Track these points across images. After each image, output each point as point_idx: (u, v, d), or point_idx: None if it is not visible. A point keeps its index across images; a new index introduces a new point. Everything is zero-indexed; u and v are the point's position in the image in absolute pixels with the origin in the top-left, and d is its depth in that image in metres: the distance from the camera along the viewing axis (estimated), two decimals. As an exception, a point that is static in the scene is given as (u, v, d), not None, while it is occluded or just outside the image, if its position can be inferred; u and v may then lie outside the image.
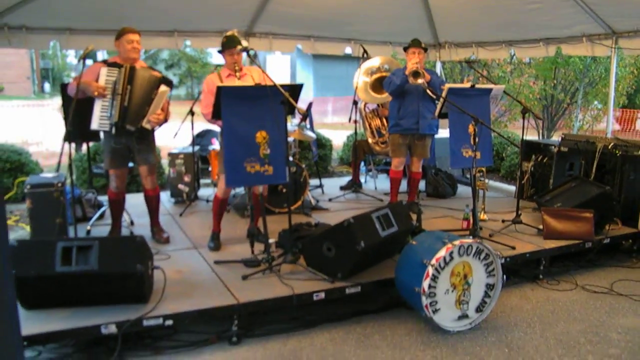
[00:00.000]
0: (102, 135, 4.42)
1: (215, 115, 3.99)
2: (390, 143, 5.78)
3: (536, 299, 4.22)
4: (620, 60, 10.47)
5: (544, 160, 6.43)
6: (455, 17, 7.35)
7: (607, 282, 4.56)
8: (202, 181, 6.92)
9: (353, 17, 7.06)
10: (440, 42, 8.25)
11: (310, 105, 6.89)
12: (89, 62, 4.09)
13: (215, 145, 6.88)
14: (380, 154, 7.03)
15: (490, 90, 5.00)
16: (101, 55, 20.11)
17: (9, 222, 5.63)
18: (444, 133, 6.06)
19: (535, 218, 5.34)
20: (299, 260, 4.01)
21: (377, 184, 7.34)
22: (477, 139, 4.46)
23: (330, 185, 7.28)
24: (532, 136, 10.29)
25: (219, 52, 4.48)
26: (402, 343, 3.46)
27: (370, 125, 6.93)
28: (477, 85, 5.09)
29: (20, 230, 5.48)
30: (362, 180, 7.43)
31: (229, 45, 4.33)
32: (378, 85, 6.50)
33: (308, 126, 6.63)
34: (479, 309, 3.66)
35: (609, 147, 5.55)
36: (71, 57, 36.35)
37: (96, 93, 4.12)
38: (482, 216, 5.47)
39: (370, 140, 6.91)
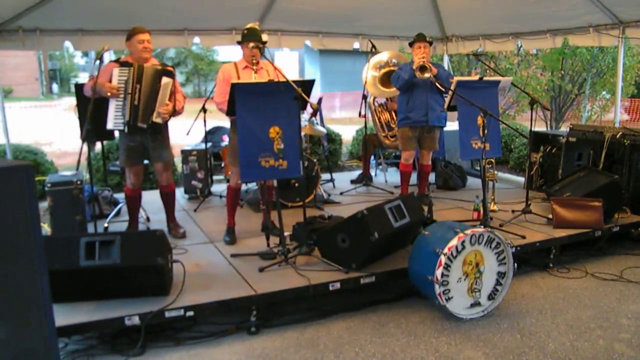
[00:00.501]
0: (116, 133, 4.51)
1: (230, 112, 4.05)
2: (400, 136, 5.84)
3: (547, 286, 4.28)
4: (627, 50, 10.42)
5: (553, 151, 6.46)
6: (462, 10, 7.39)
7: (616, 269, 4.61)
8: (215, 177, 7.00)
9: (361, 12, 7.11)
10: (448, 36, 8.29)
11: (320, 100, 6.95)
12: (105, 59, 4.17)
13: (226, 142, 6.96)
14: (390, 147, 7.08)
15: (498, 82, 5.05)
16: (108, 56, 20.18)
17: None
18: (452, 126, 6.12)
19: (545, 208, 5.39)
20: (314, 251, 4.09)
21: (387, 177, 7.41)
22: (486, 131, 4.51)
23: (341, 179, 7.35)
24: (540, 127, 10.31)
25: (238, 43, 4.51)
26: (417, 330, 3.54)
27: (379, 119, 6.98)
28: (485, 78, 5.14)
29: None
30: (373, 173, 7.50)
31: (248, 38, 4.35)
32: (387, 79, 6.55)
33: (318, 121, 6.71)
34: (491, 297, 3.73)
35: (617, 136, 5.57)
36: (78, 58, 36.67)
37: (109, 93, 4.23)
38: (492, 207, 5.51)
39: (379, 134, 6.97)
